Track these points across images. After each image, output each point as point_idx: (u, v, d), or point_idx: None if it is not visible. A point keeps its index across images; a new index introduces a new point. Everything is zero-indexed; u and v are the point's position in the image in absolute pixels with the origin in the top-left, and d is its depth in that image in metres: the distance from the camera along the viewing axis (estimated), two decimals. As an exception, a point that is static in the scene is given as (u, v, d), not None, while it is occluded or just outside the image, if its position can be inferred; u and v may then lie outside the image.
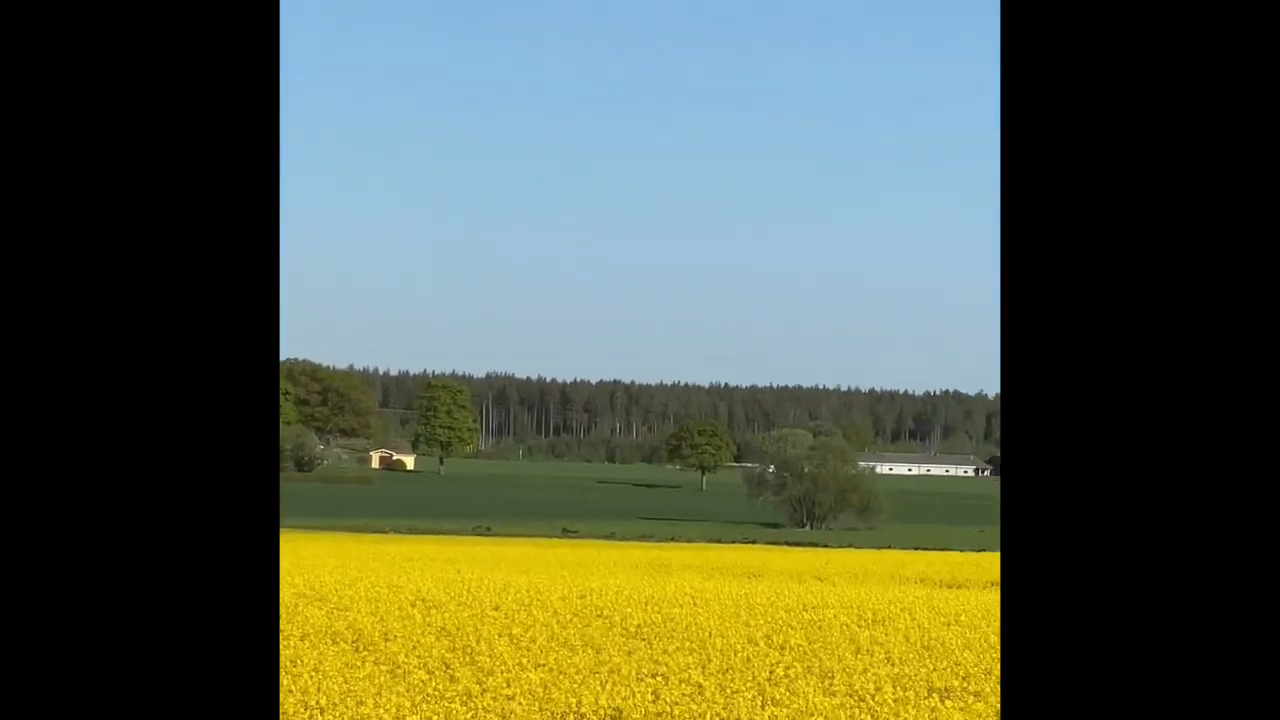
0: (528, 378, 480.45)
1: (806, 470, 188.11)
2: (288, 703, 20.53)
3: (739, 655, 27.60)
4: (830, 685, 24.29)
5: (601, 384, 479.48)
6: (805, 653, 28.28)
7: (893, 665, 26.83)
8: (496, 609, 35.46)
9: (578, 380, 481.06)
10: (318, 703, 20.67)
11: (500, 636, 29.50)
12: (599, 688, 22.86)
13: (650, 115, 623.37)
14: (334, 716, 20.05)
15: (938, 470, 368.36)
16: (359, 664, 25.12)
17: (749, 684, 23.87)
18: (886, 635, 31.59)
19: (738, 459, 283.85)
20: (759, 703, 22.19)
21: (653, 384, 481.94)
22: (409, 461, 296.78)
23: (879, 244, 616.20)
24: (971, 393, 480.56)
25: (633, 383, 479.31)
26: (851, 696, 23.04)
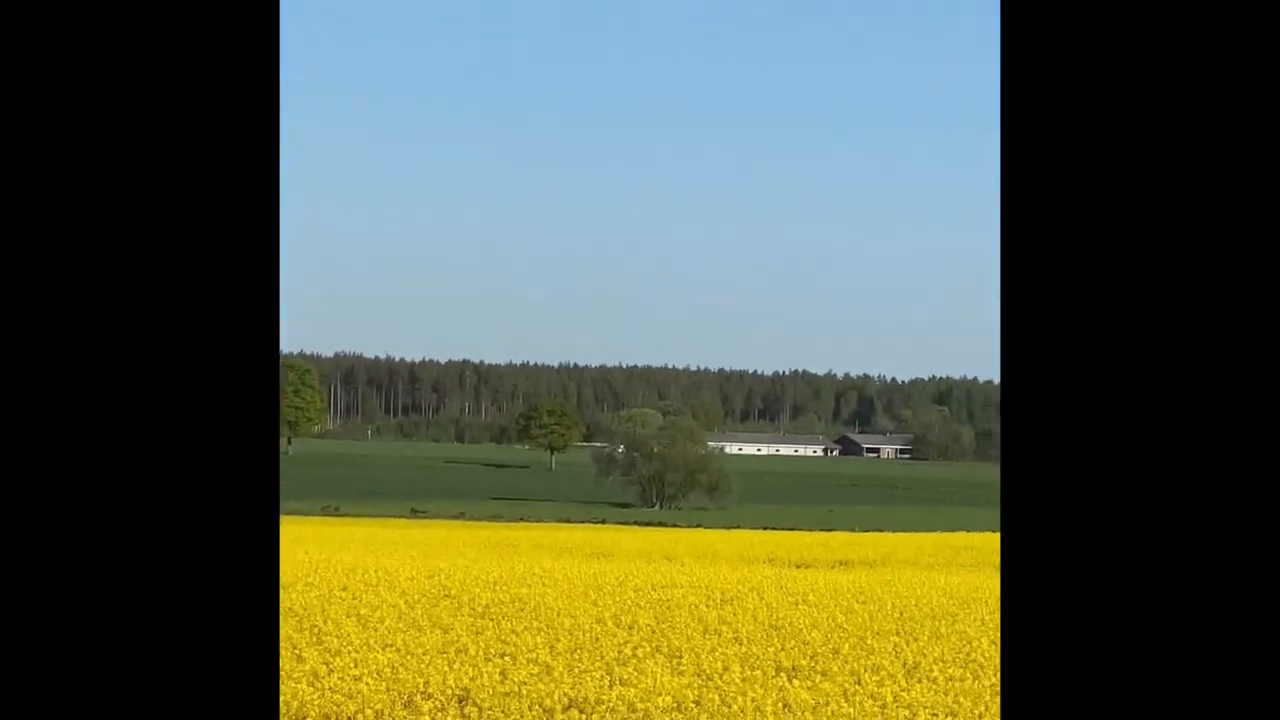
0: (376, 357, 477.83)
1: (656, 450, 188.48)
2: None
3: (587, 635, 27.61)
4: (678, 665, 24.35)
5: (450, 364, 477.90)
6: (654, 632, 28.34)
7: (740, 645, 26.93)
8: (344, 589, 35.27)
9: (426, 360, 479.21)
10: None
11: (348, 617, 29.35)
12: (446, 668, 22.79)
13: (510, 99, 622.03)
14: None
15: (787, 450, 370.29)
16: (204, 645, 24.87)
17: (597, 664, 23.89)
18: (735, 615, 31.72)
19: (587, 439, 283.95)
20: (607, 682, 22.21)
21: (501, 364, 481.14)
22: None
23: (726, 223, 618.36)
24: (820, 372, 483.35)
25: (481, 362, 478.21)
26: (699, 676, 23.11)
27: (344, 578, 38.58)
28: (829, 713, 20.31)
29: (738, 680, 22.52)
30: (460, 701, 21.17)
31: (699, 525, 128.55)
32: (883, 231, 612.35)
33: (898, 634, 29.00)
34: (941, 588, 40.57)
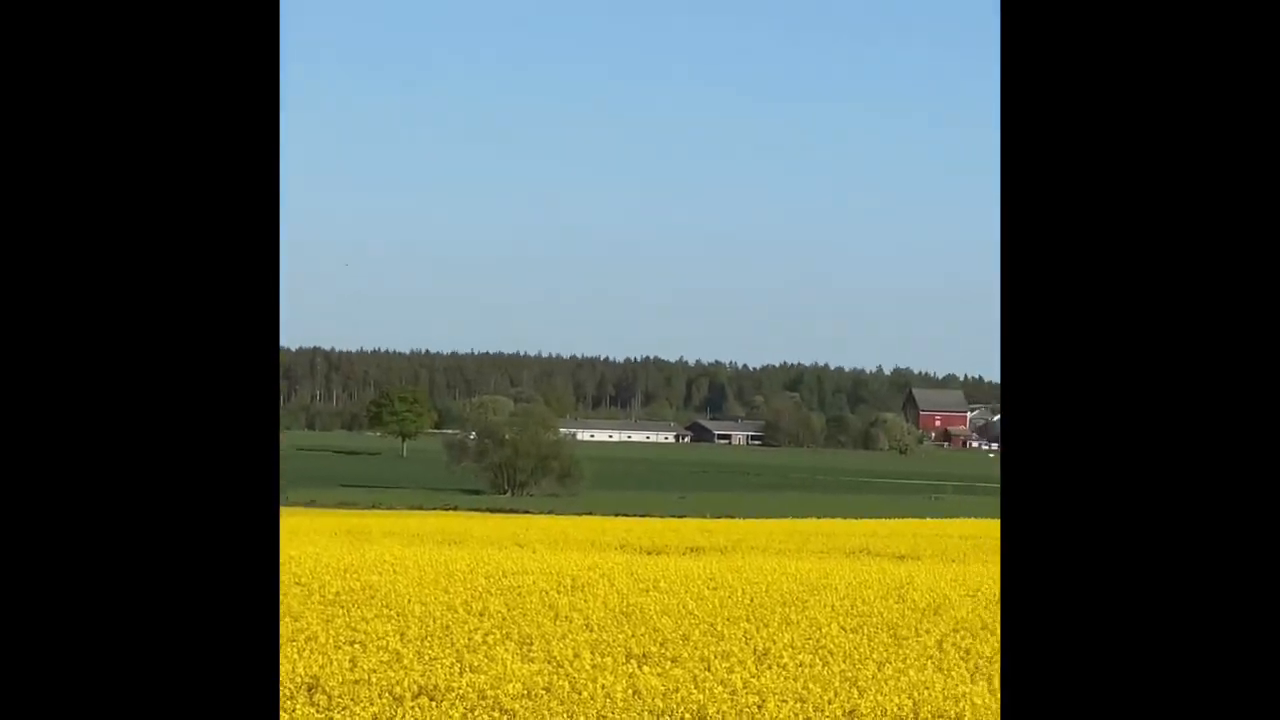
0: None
1: (507, 437, 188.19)
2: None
3: (438, 622, 27.56)
4: (529, 651, 24.36)
5: (301, 350, 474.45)
6: (504, 619, 28.33)
7: (591, 631, 26.98)
8: (192, 578, 34.97)
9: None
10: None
11: (196, 606, 29.11)
12: (296, 656, 22.67)
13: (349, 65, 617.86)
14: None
15: (638, 437, 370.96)
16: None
17: (448, 651, 23.85)
18: (585, 601, 31.77)
19: (438, 426, 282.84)
20: (457, 669, 22.18)
21: (353, 350, 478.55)
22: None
23: (577, 209, 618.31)
24: (672, 359, 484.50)
25: (333, 349, 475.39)
26: (550, 663, 23.13)
27: (192, 566, 38.24)
28: (679, 699, 20.38)
29: (588, 667, 22.56)
30: (310, 689, 21.07)
31: (551, 512, 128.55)
32: (732, 216, 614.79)
33: (748, 620, 29.15)
34: (792, 574, 40.81)
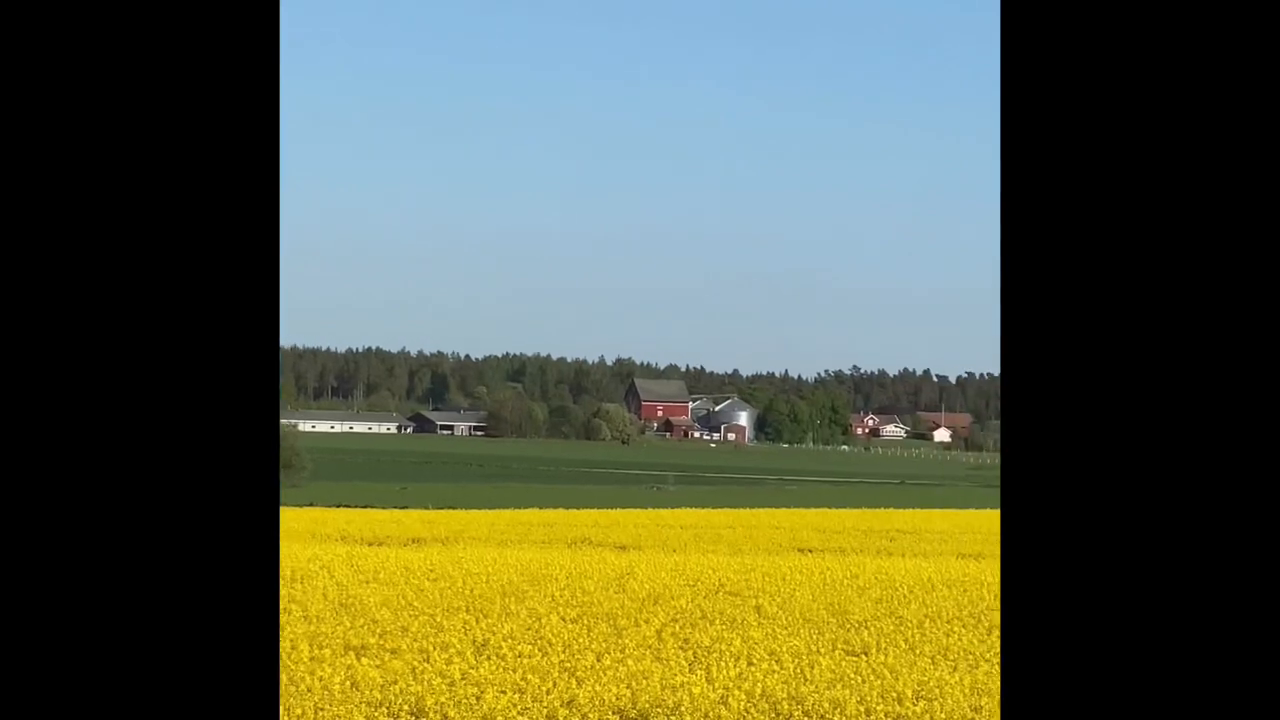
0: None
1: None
2: None
3: (152, 616, 27.12)
4: (246, 645, 24.06)
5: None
6: (221, 612, 27.97)
7: (310, 623, 26.77)
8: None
9: None
10: None
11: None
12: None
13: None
14: None
15: (360, 428, 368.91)
16: None
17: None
18: (304, 593, 31.52)
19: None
20: (172, 664, 21.85)
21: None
22: None
23: (300, 200, 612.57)
24: (394, 350, 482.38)
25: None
26: (267, 656, 22.86)
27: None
28: (397, 691, 20.28)
29: (306, 659, 22.37)
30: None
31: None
32: (450, 208, 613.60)
33: (468, 611, 29.12)
34: (513, 564, 40.85)
